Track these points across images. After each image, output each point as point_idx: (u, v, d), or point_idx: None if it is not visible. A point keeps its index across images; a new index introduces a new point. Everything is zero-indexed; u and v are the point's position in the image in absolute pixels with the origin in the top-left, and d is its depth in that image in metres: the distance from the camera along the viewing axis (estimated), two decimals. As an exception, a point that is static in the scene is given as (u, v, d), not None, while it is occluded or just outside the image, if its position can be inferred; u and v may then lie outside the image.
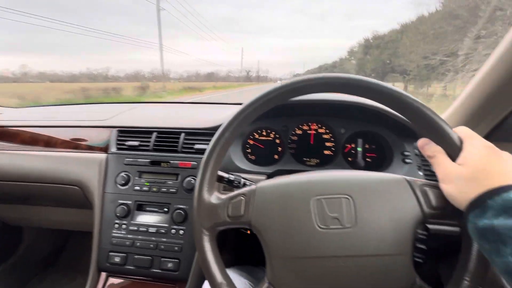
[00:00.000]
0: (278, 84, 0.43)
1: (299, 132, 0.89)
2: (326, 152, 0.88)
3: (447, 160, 0.39)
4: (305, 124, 0.89)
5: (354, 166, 0.86)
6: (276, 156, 0.89)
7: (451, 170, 0.38)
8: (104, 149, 0.92)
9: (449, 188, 0.38)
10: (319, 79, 0.41)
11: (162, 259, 0.77)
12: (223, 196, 0.44)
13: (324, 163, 0.87)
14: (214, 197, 0.44)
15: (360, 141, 0.87)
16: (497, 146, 0.68)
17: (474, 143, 0.39)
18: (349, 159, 0.87)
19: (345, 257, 0.38)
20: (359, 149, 0.87)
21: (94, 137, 0.94)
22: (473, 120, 0.69)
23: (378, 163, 0.85)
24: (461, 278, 0.37)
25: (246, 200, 0.43)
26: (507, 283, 0.29)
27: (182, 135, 0.87)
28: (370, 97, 0.42)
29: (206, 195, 0.43)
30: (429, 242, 0.47)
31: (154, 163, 0.85)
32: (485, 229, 0.32)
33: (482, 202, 0.33)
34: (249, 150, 0.91)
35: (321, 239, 0.39)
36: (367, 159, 0.86)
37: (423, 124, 0.40)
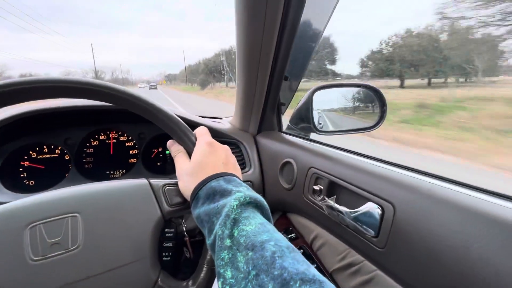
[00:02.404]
0: None
1: (95, 143, 0.79)
2: (131, 160, 0.83)
3: (183, 158, 0.43)
4: (102, 134, 0.80)
5: (163, 170, 0.86)
6: (67, 175, 0.75)
7: (182, 167, 0.41)
8: None
9: (180, 184, 0.41)
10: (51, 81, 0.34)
11: None
12: None
13: (130, 172, 0.82)
14: None
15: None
16: (265, 134, 0.89)
17: (200, 140, 0.43)
18: (158, 163, 0.86)
19: (69, 284, 0.34)
20: (168, 152, 0.88)
21: None
22: (246, 117, 0.85)
23: None
24: (202, 264, 0.43)
25: None
26: None
27: None
28: (111, 102, 0.40)
29: None
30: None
31: None
32: (197, 217, 0.36)
33: (196, 194, 0.37)
34: (23, 175, 0.71)
35: (35, 273, 0.33)
36: (177, 161, 0.89)
37: (166, 127, 0.43)
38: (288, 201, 0.70)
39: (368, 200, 0.43)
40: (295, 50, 0.67)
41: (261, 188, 0.79)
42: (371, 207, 0.42)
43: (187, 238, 0.62)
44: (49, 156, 0.74)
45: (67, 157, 0.75)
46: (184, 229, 0.63)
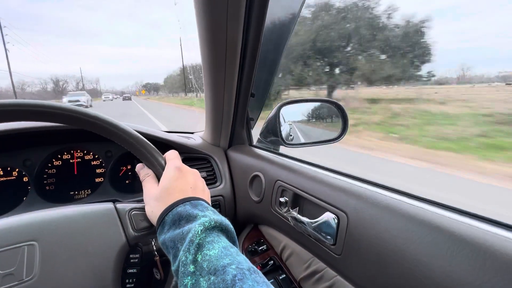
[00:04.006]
0: None
1: (57, 163, 0.76)
2: (97, 179, 0.80)
3: (151, 183, 0.42)
4: (66, 153, 0.77)
5: (132, 189, 0.84)
6: (25, 198, 0.71)
7: (149, 192, 0.41)
8: None
9: (147, 209, 0.41)
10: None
11: None
12: None
13: (97, 192, 0.79)
14: None
15: (135, 162, 0.87)
16: (236, 149, 0.91)
17: (169, 165, 0.43)
18: (127, 181, 0.84)
19: None
20: None
21: None
22: (216, 132, 0.87)
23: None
24: (169, 285, 0.43)
25: None
26: None
27: None
28: (81, 127, 0.40)
29: None
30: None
31: None
32: (163, 243, 0.36)
33: (162, 219, 0.37)
34: None
35: None
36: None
37: (135, 150, 0.43)
38: (257, 214, 0.72)
39: (326, 210, 0.47)
40: (260, 69, 0.70)
41: (232, 201, 0.81)
42: (328, 217, 0.46)
43: (157, 258, 0.61)
44: (4, 179, 0.69)
45: (25, 179, 0.71)
46: (154, 248, 0.62)
